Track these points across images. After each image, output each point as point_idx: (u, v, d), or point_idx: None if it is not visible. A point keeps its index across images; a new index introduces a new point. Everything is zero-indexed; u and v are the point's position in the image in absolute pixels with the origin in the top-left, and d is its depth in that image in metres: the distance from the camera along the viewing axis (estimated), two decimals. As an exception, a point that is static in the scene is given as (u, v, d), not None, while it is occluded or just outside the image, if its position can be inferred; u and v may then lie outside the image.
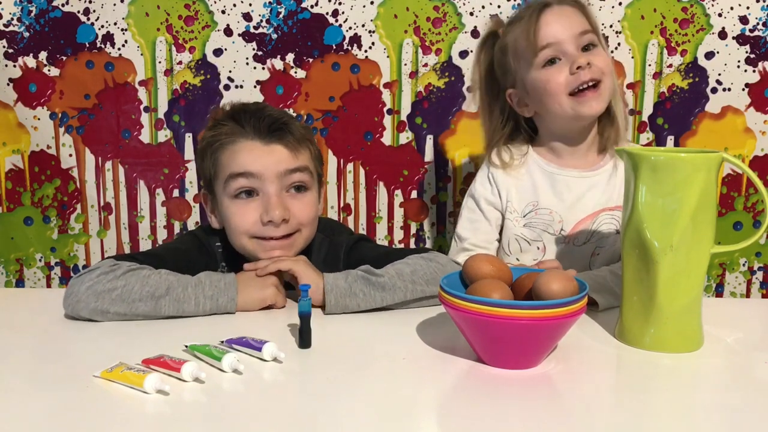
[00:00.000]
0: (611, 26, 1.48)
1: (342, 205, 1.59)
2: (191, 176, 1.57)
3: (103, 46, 1.52)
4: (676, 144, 1.53)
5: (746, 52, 1.48)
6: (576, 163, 1.24)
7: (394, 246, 1.58)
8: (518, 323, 0.81)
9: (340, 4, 1.49)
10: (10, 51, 1.53)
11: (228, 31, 1.52)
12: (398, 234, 1.60)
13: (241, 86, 1.53)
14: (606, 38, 1.48)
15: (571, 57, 1.15)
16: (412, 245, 1.59)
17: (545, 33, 1.15)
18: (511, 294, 0.88)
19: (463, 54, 1.51)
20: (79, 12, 1.52)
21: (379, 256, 1.13)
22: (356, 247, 1.20)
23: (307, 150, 1.14)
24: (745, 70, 1.48)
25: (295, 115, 1.54)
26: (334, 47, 1.51)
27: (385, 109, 1.54)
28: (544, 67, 1.17)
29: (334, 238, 1.22)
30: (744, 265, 1.58)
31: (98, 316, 0.99)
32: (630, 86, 1.51)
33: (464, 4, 1.49)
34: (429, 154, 1.56)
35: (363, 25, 1.50)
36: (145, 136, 1.57)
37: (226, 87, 1.53)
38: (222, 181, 1.11)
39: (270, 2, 1.50)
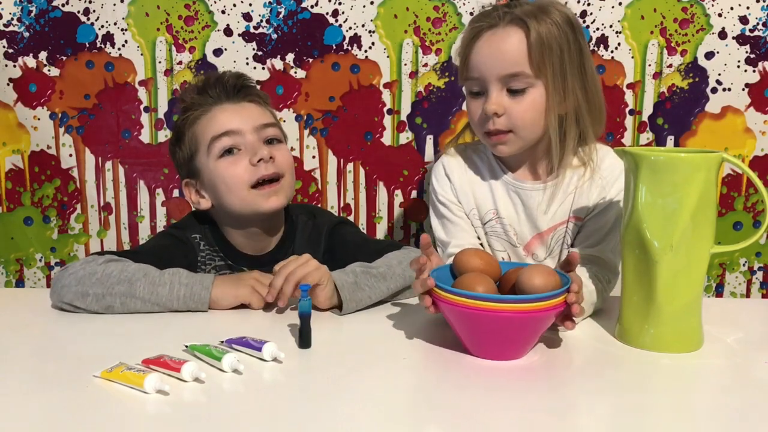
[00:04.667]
0: (611, 26, 1.48)
1: (342, 205, 1.59)
2: (191, 176, 1.57)
3: (103, 46, 1.52)
4: (676, 144, 1.53)
5: (746, 52, 1.48)
6: (526, 174, 1.16)
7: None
8: (500, 316, 0.83)
9: (340, 4, 1.49)
10: (10, 51, 1.53)
11: (228, 31, 1.52)
12: (398, 234, 1.60)
13: (241, 86, 1.53)
14: (606, 38, 1.48)
15: (488, 97, 1.07)
16: (412, 245, 1.59)
17: (472, 63, 1.08)
18: (495, 288, 0.90)
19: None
20: (79, 12, 1.52)
21: (358, 243, 1.21)
22: (337, 229, 1.25)
23: (270, 110, 1.23)
24: (745, 70, 1.49)
25: (295, 115, 1.54)
26: (334, 47, 1.51)
27: (385, 109, 1.54)
28: (470, 96, 1.12)
29: (316, 220, 1.26)
30: (744, 265, 1.58)
31: (79, 300, 1.02)
32: (630, 86, 1.51)
33: (464, 4, 1.49)
34: (429, 154, 1.56)
35: (363, 25, 1.50)
36: (145, 136, 1.57)
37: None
38: (205, 148, 1.16)
39: (270, 2, 1.50)
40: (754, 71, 1.49)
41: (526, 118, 1.07)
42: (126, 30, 1.52)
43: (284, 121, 1.53)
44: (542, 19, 1.05)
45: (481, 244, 1.18)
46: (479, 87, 1.09)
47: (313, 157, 1.56)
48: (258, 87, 1.27)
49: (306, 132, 1.55)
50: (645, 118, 1.52)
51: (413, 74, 1.53)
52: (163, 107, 1.55)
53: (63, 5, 1.51)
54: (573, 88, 1.07)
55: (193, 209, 1.25)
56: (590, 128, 1.12)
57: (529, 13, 1.05)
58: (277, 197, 1.16)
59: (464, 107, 1.53)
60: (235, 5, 1.51)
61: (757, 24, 1.47)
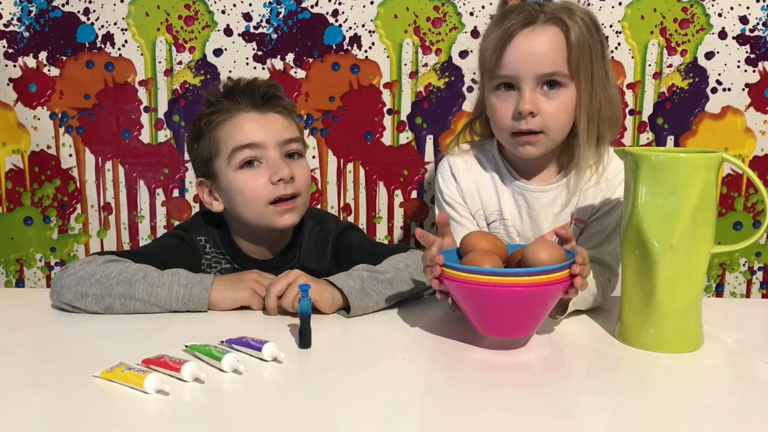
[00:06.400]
0: (611, 26, 1.48)
1: (342, 205, 1.59)
2: (191, 176, 1.57)
3: (103, 46, 1.52)
4: (676, 144, 1.53)
5: (746, 52, 1.48)
6: (533, 176, 1.15)
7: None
8: (507, 291, 0.83)
9: (340, 4, 1.49)
10: (10, 51, 1.53)
11: (228, 31, 1.52)
12: (398, 234, 1.60)
13: (241, 86, 1.53)
14: (606, 38, 1.48)
15: (522, 95, 1.04)
16: (412, 245, 1.59)
17: (507, 60, 1.03)
18: (502, 265, 0.91)
19: (463, 54, 1.51)
20: (79, 12, 1.52)
21: (364, 248, 1.20)
22: (344, 234, 1.24)
23: (295, 121, 1.22)
24: (745, 70, 1.48)
25: (295, 115, 1.54)
26: (334, 47, 1.51)
27: (385, 109, 1.54)
28: (497, 91, 1.08)
29: (323, 225, 1.26)
30: (744, 265, 1.58)
31: (79, 300, 1.02)
32: (630, 86, 1.51)
33: (464, 4, 1.49)
34: (429, 154, 1.56)
35: (363, 25, 1.50)
36: (145, 136, 1.57)
37: (224, 85, 1.53)
38: (225, 156, 1.14)
39: (270, 2, 1.50)
40: (754, 71, 1.48)
41: (558, 119, 1.05)
42: (126, 30, 1.52)
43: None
44: (574, 20, 1.03)
45: None
46: (509, 81, 1.06)
47: (313, 157, 1.56)
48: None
49: (306, 132, 1.55)
50: (645, 118, 1.52)
51: (413, 74, 1.53)
52: (163, 107, 1.55)
53: (63, 5, 1.51)
54: (598, 90, 1.06)
55: (199, 209, 1.24)
56: (608, 132, 1.11)
57: (562, 12, 1.04)
58: (292, 214, 1.15)
59: (464, 107, 1.53)
60: (235, 5, 1.51)
61: (757, 24, 1.47)
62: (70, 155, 1.57)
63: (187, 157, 1.56)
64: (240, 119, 1.15)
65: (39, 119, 1.55)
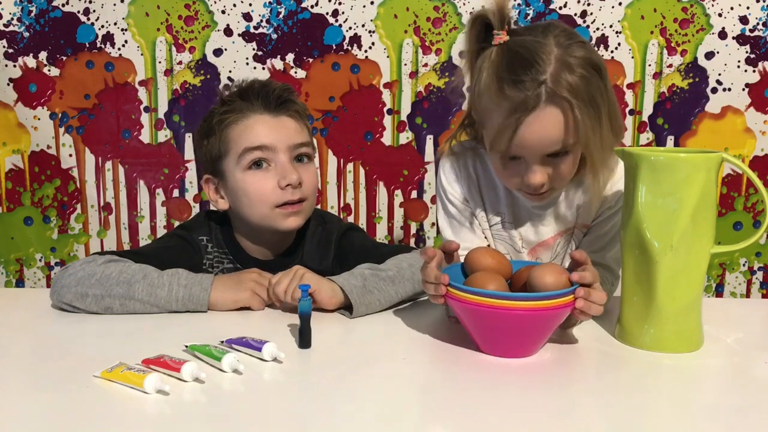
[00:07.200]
0: (611, 26, 1.48)
1: (342, 205, 1.59)
2: (191, 176, 1.57)
3: (103, 46, 1.52)
4: (676, 144, 1.53)
5: (746, 52, 1.48)
6: None
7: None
8: (511, 314, 0.83)
9: (340, 4, 1.49)
10: (10, 51, 1.53)
11: (228, 31, 1.52)
12: (398, 234, 1.60)
13: (241, 86, 1.53)
14: (606, 38, 1.48)
15: (532, 170, 1.01)
16: (412, 245, 1.59)
17: (513, 146, 0.99)
18: (507, 286, 0.91)
19: (463, 54, 1.51)
20: (79, 12, 1.52)
21: (367, 249, 1.19)
22: (347, 235, 1.24)
23: (306, 125, 1.21)
24: (745, 70, 1.49)
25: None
26: (334, 47, 1.51)
27: (385, 109, 1.54)
28: (503, 158, 1.03)
29: (326, 226, 1.26)
30: (744, 265, 1.58)
31: (79, 300, 1.02)
32: (630, 86, 1.51)
33: (464, 4, 1.49)
34: (429, 154, 1.56)
35: (363, 25, 1.50)
36: (145, 136, 1.57)
37: (226, 87, 1.53)
38: (234, 156, 1.14)
39: (270, 2, 1.50)
40: (754, 71, 1.49)
41: (566, 176, 1.04)
42: (126, 30, 1.52)
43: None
44: (573, 77, 0.96)
45: (488, 245, 1.18)
46: (516, 154, 1.02)
47: (313, 157, 1.56)
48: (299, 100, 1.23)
49: (306, 132, 1.55)
50: (645, 118, 1.52)
51: (413, 74, 1.53)
52: (163, 107, 1.55)
53: (63, 5, 1.51)
54: (605, 126, 1.02)
55: (200, 209, 1.24)
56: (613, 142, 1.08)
57: (560, 75, 0.96)
58: (297, 218, 1.16)
59: (464, 107, 1.53)
60: (235, 5, 1.51)
61: (757, 24, 1.47)
62: (70, 155, 1.57)
63: (187, 157, 1.56)
64: (252, 120, 1.15)
65: (39, 119, 1.55)
